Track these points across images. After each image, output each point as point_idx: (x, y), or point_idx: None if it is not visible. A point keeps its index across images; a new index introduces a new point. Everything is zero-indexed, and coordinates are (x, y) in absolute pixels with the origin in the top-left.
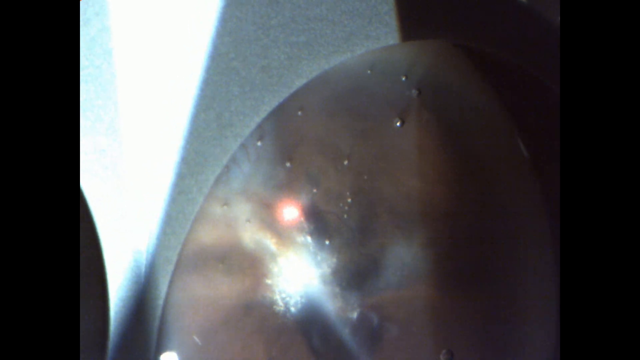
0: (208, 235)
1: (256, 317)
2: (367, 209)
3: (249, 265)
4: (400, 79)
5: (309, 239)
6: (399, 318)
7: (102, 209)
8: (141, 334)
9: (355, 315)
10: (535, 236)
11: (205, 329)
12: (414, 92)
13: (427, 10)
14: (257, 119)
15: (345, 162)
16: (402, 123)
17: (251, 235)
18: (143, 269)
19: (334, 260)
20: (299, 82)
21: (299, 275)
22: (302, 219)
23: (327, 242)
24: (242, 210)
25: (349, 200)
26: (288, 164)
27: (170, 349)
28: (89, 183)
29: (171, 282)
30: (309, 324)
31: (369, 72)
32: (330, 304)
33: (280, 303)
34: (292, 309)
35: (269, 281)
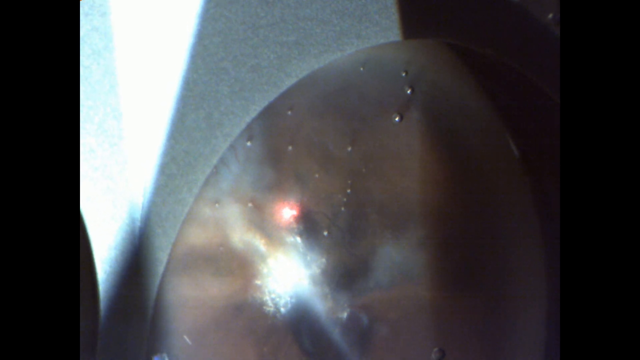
0: (198, 237)
1: (246, 318)
2: (357, 209)
3: (239, 266)
4: (394, 78)
5: (298, 239)
6: (389, 318)
7: (92, 210)
8: (131, 336)
9: (345, 315)
10: (526, 236)
11: (196, 330)
12: (408, 90)
13: (420, 10)
14: (247, 119)
15: (335, 162)
16: (401, 118)
17: (241, 236)
18: (133, 270)
19: (324, 260)
20: (289, 82)
21: (289, 276)
22: (292, 219)
23: (316, 243)
24: (231, 211)
25: (339, 200)
26: (277, 164)
27: (161, 351)
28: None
29: (161, 283)
30: (299, 325)
31: (361, 69)
32: (320, 305)
33: (270, 304)
34: (282, 310)
35: (258, 282)
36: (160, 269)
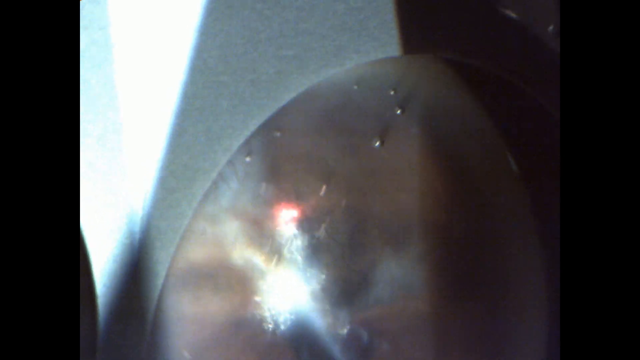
0: (196, 253)
1: (245, 335)
2: (356, 225)
3: (238, 282)
4: (387, 94)
5: (297, 255)
6: (390, 333)
7: (90, 223)
8: (130, 349)
9: (345, 331)
10: (525, 250)
11: (195, 346)
12: (401, 106)
13: (418, 25)
14: (246, 133)
15: (334, 178)
16: (382, 143)
17: (240, 252)
18: (132, 284)
19: (324, 276)
20: (288, 96)
21: (289, 292)
22: (291, 235)
23: (316, 258)
24: (230, 227)
25: (338, 215)
26: (276, 180)
27: None
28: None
29: (160, 298)
30: (299, 341)
31: (355, 87)
32: (320, 321)
33: (270, 320)
34: (282, 326)
35: (258, 298)
36: (159, 282)
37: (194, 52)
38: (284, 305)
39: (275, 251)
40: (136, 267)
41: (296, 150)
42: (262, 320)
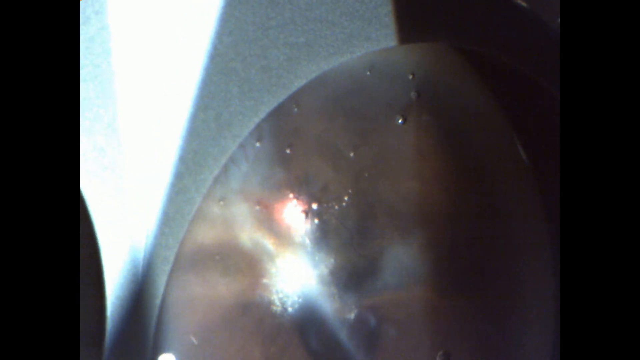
0: (206, 235)
1: (254, 317)
2: (365, 210)
3: (247, 265)
4: (400, 81)
5: (306, 239)
6: (396, 319)
7: (100, 209)
8: (138, 334)
9: (352, 316)
10: (533, 238)
11: (203, 329)
12: (412, 93)
13: (428, 13)
14: (256, 119)
15: (344, 163)
16: (404, 121)
17: (249, 235)
18: (140, 269)
19: (332, 260)
20: (298, 83)
21: (297, 276)
22: (300, 219)
23: (325, 243)
24: (240, 210)
25: (348, 201)
26: (286, 165)
27: (168, 349)
28: (87, 182)
29: (169, 281)
30: (307, 325)
31: (368, 73)
32: (328, 305)
33: (278, 303)
34: (290, 309)
35: (266, 281)
36: (168, 267)
37: (205, 38)
38: (292, 289)
39: (284, 234)
40: (144, 252)
41: (307, 135)
42: (270, 303)
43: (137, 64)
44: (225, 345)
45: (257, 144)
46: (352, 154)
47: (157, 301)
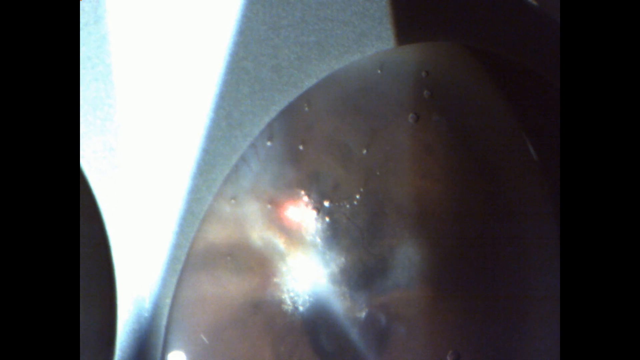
0: (217, 234)
1: (264, 316)
2: (376, 209)
3: (258, 264)
4: (412, 79)
5: (317, 238)
6: (406, 318)
7: (110, 208)
8: (149, 333)
9: (363, 314)
10: (543, 238)
11: (213, 328)
12: (426, 92)
13: (439, 12)
14: (267, 119)
15: (355, 162)
16: (417, 119)
17: (260, 234)
18: (151, 268)
19: (343, 259)
20: (309, 82)
21: (308, 275)
22: (311, 218)
23: (335, 241)
24: (251, 208)
25: (358, 199)
26: (297, 163)
27: (178, 348)
28: (98, 181)
29: (179, 280)
30: (317, 323)
31: (379, 71)
32: (338, 304)
33: (289, 302)
34: (300, 308)
35: (277, 280)
36: (179, 266)
37: (216, 37)
38: (303, 287)
39: (295, 233)
40: (155, 251)
41: (318, 133)
42: (280, 301)
43: (147, 63)
44: (236, 344)
45: (268, 143)
46: (363, 153)
47: (168, 300)
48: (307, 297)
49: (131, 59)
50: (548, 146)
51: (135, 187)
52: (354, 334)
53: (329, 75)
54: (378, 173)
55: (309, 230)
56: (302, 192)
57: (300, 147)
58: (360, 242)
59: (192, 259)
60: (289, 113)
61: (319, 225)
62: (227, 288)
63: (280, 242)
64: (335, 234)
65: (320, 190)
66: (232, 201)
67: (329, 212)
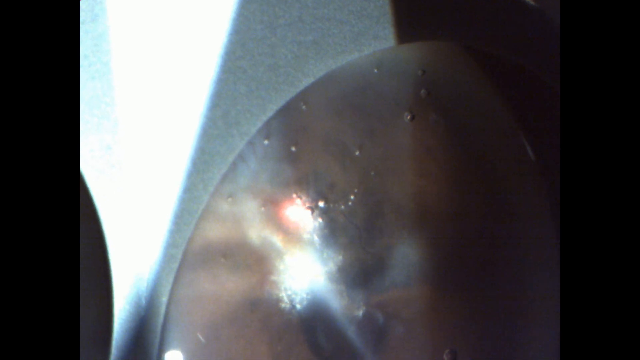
0: (214, 232)
1: (261, 314)
2: (373, 207)
3: (255, 262)
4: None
5: (314, 236)
6: (403, 317)
7: (107, 206)
8: (145, 332)
9: (360, 313)
10: (540, 237)
11: (210, 326)
12: (423, 91)
13: (436, 12)
14: (264, 118)
15: (352, 161)
16: (413, 118)
17: (257, 231)
18: (148, 267)
19: (340, 258)
20: (306, 81)
21: (305, 273)
22: (308, 216)
23: (333, 240)
24: (248, 206)
25: (355, 198)
26: (295, 162)
27: (175, 347)
28: (94, 180)
29: (176, 278)
30: (314, 322)
31: (375, 70)
32: (336, 302)
33: (286, 300)
34: (298, 306)
35: (274, 278)
36: (175, 265)
37: (213, 37)
38: (300, 285)
39: (292, 232)
40: (151, 249)
41: (315, 132)
42: (278, 299)
43: (145, 62)
44: (233, 342)
45: (266, 142)
46: (359, 152)
47: (164, 299)
48: (304, 296)
49: (128, 57)
50: (545, 146)
51: (132, 185)
52: (351, 332)
53: (326, 74)
54: (375, 172)
55: (307, 229)
56: (300, 191)
57: (297, 146)
58: (357, 241)
59: (189, 257)
60: (286, 112)
61: (316, 224)
62: (224, 286)
63: (277, 240)
64: (332, 233)
65: (317, 188)
66: (229, 199)
67: (326, 211)
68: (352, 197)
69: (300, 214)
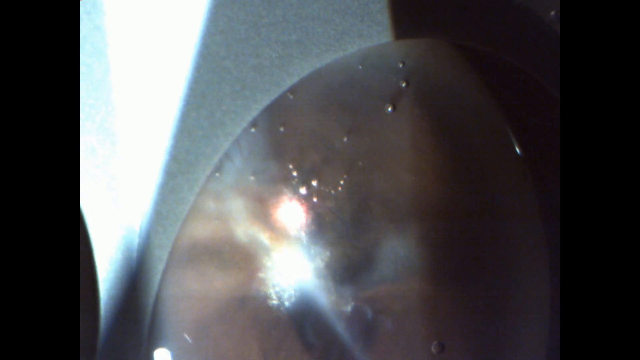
0: (201, 230)
1: (250, 311)
2: (360, 203)
3: (243, 259)
4: (396, 66)
5: (302, 232)
6: (392, 311)
7: (93, 207)
8: (132, 333)
9: (349, 308)
10: (527, 232)
11: (199, 324)
12: (403, 83)
13: (420, 9)
14: (249, 118)
15: (337, 155)
16: (394, 109)
17: (245, 229)
18: (134, 268)
19: (328, 254)
20: (291, 81)
21: (293, 269)
22: (295, 212)
23: (320, 236)
24: (235, 204)
25: (342, 193)
26: (281, 158)
27: (162, 345)
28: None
29: (163, 277)
30: (303, 318)
31: (360, 67)
32: (324, 298)
33: (274, 297)
34: (286, 303)
35: (262, 275)
36: (161, 266)
37: (197, 37)
38: (288, 282)
39: (279, 228)
40: (137, 251)
41: (301, 128)
42: (266, 296)
43: (128, 63)
44: (222, 339)
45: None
46: (345, 146)
47: (151, 299)
48: (292, 292)
49: (112, 59)
50: (532, 142)
51: (116, 186)
52: (340, 327)
53: (310, 73)
54: (361, 166)
55: (294, 225)
56: (286, 187)
57: (284, 142)
58: (345, 236)
59: (176, 256)
60: (272, 109)
61: (304, 220)
62: (212, 284)
63: (265, 238)
64: (320, 229)
65: (304, 184)
66: (216, 197)
67: (313, 207)
68: (338, 192)
69: (287, 210)
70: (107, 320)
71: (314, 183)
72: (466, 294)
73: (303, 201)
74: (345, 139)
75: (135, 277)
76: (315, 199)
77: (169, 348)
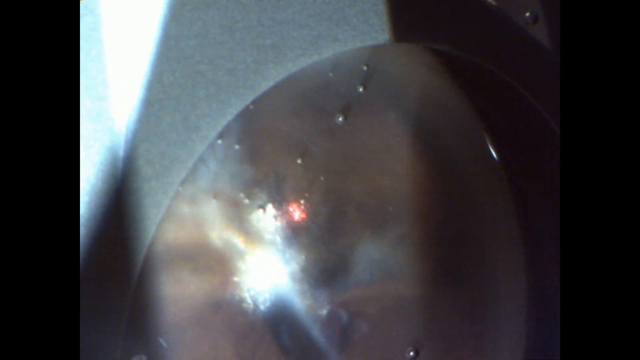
0: (176, 234)
1: (225, 315)
2: (336, 207)
3: (217, 263)
4: (360, 68)
5: (277, 236)
6: (368, 315)
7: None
8: (107, 338)
9: (324, 312)
10: (504, 234)
11: (174, 328)
12: (360, 87)
13: (396, 14)
14: (224, 122)
15: (314, 160)
16: (345, 118)
17: (219, 233)
18: (108, 274)
19: (303, 257)
20: (266, 85)
21: (268, 273)
22: (270, 216)
23: (295, 240)
24: (209, 208)
25: (317, 197)
26: (256, 162)
27: (137, 350)
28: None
29: (138, 281)
30: (278, 322)
31: (330, 74)
32: (300, 302)
33: (249, 301)
34: (261, 307)
35: (237, 279)
36: (135, 271)
37: (171, 40)
38: (263, 286)
39: (254, 232)
40: (112, 256)
41: (275, 132)
42: (241, 300)
43: (101, 67)
44: (197, 344)
45: (219, 142)
46: (321, 151)
47: (125, 304)
48: (268, 296)
49: (85, 63)
50: (508, 146)
51: (91, 191)
52: (316, 331)
53: (285, 77)
54: (336, 171)
55: (268, 229)
56: (261, 191)
57: (258, 146)
58: (320, 240)
59: (150, 261)
60: (245, 114)
61: (278, 224)
62: (186, 288)
63: (239, 242)
64: (294, 233)
65: (278, 189)
66: (190, 202)
67: (288, 211)
68: (313, 196)
69: (262, 214)
70: (83, 328)
71: (289, 187)
72: (443, 298)
73: (278, 205)
74: (320, 144)
75: (110, 283)
76: (289, 203)
77: (144, 352)
